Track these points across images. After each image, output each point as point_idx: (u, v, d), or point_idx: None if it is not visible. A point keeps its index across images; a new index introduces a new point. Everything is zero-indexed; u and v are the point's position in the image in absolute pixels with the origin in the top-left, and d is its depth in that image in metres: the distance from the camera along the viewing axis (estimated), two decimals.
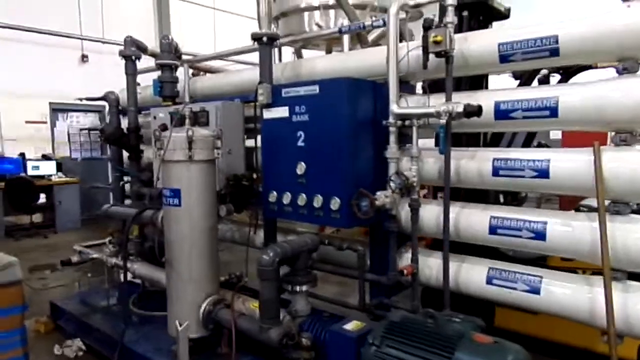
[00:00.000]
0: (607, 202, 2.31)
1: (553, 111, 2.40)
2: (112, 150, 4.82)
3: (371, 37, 4.07)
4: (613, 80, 2.27)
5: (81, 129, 10.38)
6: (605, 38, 2.21)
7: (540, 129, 2.83)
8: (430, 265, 2.95)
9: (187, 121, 3.03)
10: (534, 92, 2.51)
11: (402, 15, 2.84)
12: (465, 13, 3.32)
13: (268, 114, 3.11)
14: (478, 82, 3.37)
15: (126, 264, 3.54)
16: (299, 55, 5.13)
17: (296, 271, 2.80)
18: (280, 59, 4.82)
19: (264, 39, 3.22)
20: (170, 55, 4.14)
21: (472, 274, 2.80)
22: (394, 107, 2.69)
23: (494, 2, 3.47)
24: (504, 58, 2.56)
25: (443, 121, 2.49)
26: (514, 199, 4.12)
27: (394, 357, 2.18)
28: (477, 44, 2.66)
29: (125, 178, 4.63)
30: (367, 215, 2.64)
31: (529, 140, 4.36)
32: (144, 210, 3.58)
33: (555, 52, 2.38)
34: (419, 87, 3.43)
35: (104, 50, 9.91)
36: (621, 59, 2.25)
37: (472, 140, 3.36)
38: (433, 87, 3.26)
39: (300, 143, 2.92)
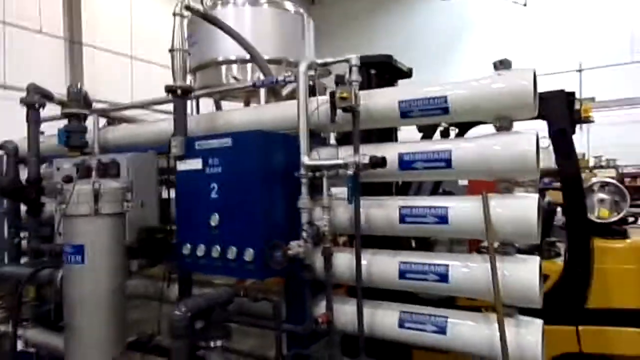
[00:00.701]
0: (497, 244, 2.56)
1: (448, 163, 2.64)
2: (8, 203, 4.42)
3: (286, 90, 4.25)
4: (493, 136, 2.58)
5: None
6: (483, 100, 2.53)
7: (439, 178, 3.09)
8: (346, 312, 2.99)
9: (93, 173, 2.90)
10: (432, 145, 2.76)
11: (312, 72, 3.02)
12: (372, 71, 3.60)
13: (182, 166, 3.09)
14: (387, 134, 3.59)
15: (16, 330, 3.18)
16: (218, 106, 5.19)
17: (210, 326, 2.70)
18: (197, 111, 4.85)
19: (178, 91, 3.25)
20: (78, 104, 3.99)
21: (385, 319, 2.89)
22: (304, 159, 2.80)
23: (397, 62, 3.81)
24: (404, 114, 2.80)
25: (350, 172, 2.63)
26: (425, 243, 4.32)
27: None
28: (381, 101, 2.89)
29: (23, 234, 4.24)
30: (281, 265, 2.66)
31: (436, 188, 4.70)
32: (41, 268, 3.29)
33: (446, 111, 2.65)
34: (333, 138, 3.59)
35: (6, 96, 9.25)
36: (498, 118, 2.57)
37: (384, 188, 3.56)
38: (345, 139, 3.47)
39: (214, 195, 2.91)
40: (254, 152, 2.76)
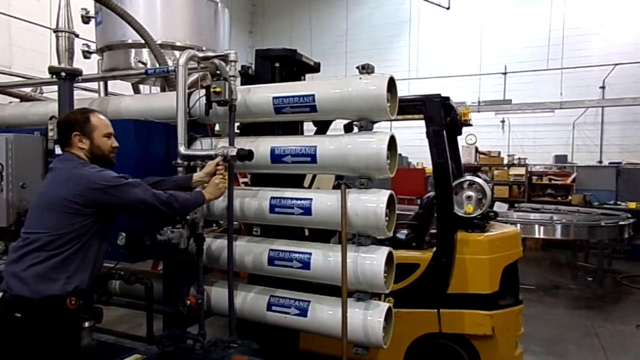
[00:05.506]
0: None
1: (313, 158, 2.83)
2: None
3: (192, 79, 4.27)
4: (352, 135, 2.79)
5: None
6: (344, 102, 2.72)
7: (307, 172, 3.28)
8: (223, 296, 3.14)
9: None
10: (300, 141, 2.93)
11: (193, 64, 3.10)
12: (276, 64, 3.71)
13: (60, 150, 3.07)
14: (292, 128, 3.71)
15: None
16: (136, 90, 5.10)
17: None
18: (106, 92, 4.76)
19: (63, 74, 3.22)
20: None
21: (256, 302, 3.07)
22: (181, 149, 2.90)
23: (302, 57, 3.94)
24: (278, 109, 2.94)
25: None
26: (320, 232, 4.44)
27: None
28: (257, 96, 3.02)
29: None
30: (150, 249, 2.75)
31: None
32: None
33: (314, 108, 2.83)
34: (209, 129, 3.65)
35: None
36: (360, 119, 2.79)
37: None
38: (245, 130, 3.58)
39: None
40: (129, 140, 2.82)
